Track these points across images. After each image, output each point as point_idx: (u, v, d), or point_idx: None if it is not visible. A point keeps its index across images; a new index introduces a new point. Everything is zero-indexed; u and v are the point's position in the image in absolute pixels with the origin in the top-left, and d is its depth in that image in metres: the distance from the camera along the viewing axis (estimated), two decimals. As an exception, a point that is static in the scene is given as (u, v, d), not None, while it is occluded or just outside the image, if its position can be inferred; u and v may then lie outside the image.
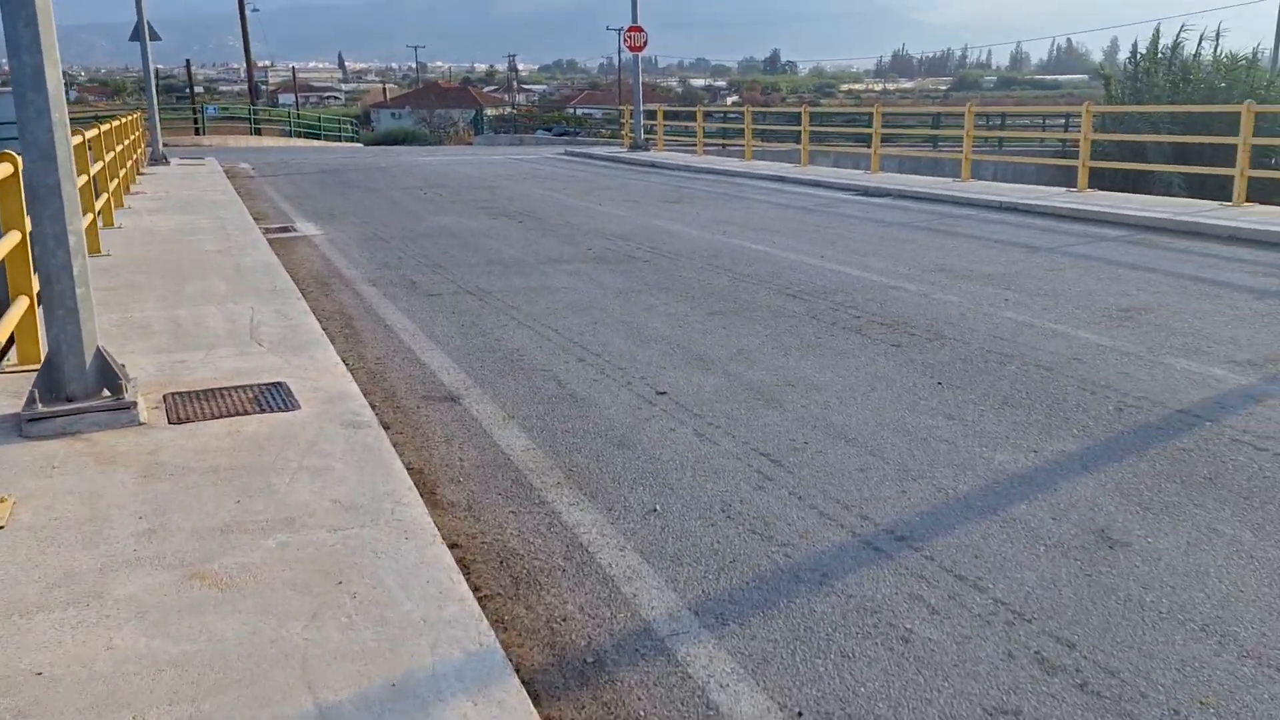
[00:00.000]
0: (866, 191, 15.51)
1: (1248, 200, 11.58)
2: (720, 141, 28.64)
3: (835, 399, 5.43)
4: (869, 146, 18.73)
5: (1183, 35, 25.86)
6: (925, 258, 9.54)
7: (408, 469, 4.37)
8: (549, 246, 10.78)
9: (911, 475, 4.35)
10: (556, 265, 9.61)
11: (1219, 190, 22.96)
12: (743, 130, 23.75)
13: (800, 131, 20.73)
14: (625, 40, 26.48)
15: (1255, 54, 25.52)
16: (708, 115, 35.40)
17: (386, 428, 5.07)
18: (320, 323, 7.29)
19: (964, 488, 4.21)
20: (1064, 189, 13.86)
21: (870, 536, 3.77)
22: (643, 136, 27.22)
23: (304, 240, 11.49)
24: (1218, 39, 25.10)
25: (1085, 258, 9.29)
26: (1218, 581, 3.37)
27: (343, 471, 4.18)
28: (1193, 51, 25.80)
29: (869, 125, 18.86)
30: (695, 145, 25.29)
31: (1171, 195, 18.87)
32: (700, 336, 6.86)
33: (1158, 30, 25.55)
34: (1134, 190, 23.60)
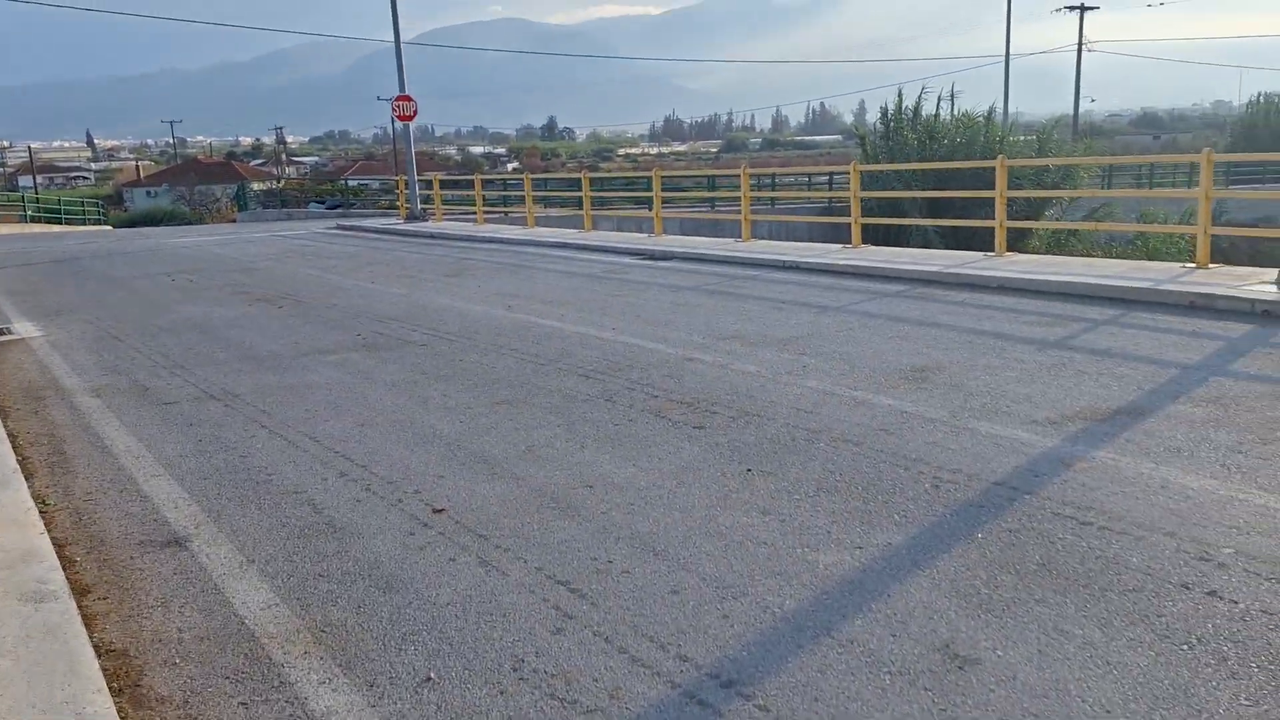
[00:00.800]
0: (652, 255, 15.33)
1: (1008, 250, 12.16)
2: (502, 209, 28.13)
3: (639, 499, 4.81)
4: (651, 210, 18.69)
5: (923, 96, 27.86)
6: (719, 324, 9.23)
7: (106, 653, 3.39)
8: (312, 334, 9.71)
9: (732, 593, 3.77)
10: (319, 357, 8.58)
11: (972, 240, 24.72)
12: (524, 197, 23.31)
13: (582, 197, 20.51)
14: (394, 110, 25.60)
15: (990, 112, 27.75)
16: (488, 183, 34.89)
17: (85, 593, 4.00)
18: (19, 451, 6.01)
19: (790, 604, 3.66)
20: (840, 246, 14.17)
21: (693, 685, 3.13)
22: (419, 206, 26.27)
23: (19, 344, 9.84)
24: (953, 100, 27.22)
25: (872, 315, 9.27)
26: (1080, 700, 2.95)
27: (7, 673, 3.14)
28: (933, 111, 27.81)
29: (649, 189, 18.85)
30: (476, 214, 24.60)
31: (931, 248, 19.99)
32: (484, 432, 6.10)
33: (901, 92, 27.43)
34: (895, 244, 25.05)
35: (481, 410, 6.62)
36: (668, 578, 3.94)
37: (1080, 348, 7.49)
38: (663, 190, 20.98)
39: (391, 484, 5.26)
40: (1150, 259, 22.13)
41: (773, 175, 34.66)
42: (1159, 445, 5.14)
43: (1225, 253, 14.16)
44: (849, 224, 14.08)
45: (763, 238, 22.77)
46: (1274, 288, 8.68)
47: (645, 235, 18.40)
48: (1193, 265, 10.04)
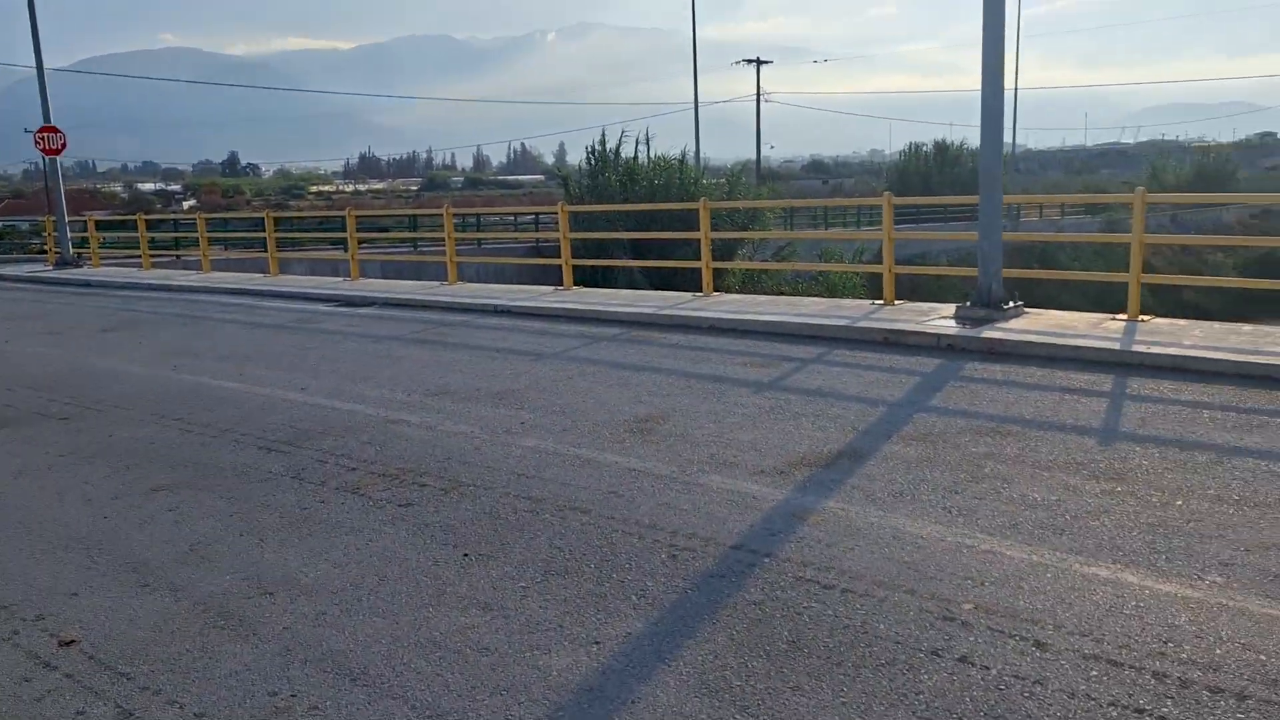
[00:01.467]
0: (350, 301, 14.19)
1: (714, 290, 12.36)
2: (174, 253, 25.38)
3: (332, 605, 4.00)
4: (347, 251, 17.44)
5: (623, 139, 28.57)
6: (425, 378, 8.46)
7: None
8: (-87, 412, 7.83)
9: (449, 724, 3.09)
10: (-81, 441, 6.87)
11: (674, 280, 25.48)
12: (199, 239, 21.07)
13: (266, 238, 18.81)
14: (38, 143, 22.35)
15: (684, 155, 28.92)
16: (157, 223, 31.54)
17: None
18: None
19: (523, 731, 3.04)
20: (552, 288, 13.83)
21: None
22: (71, 251, 23.07)
23: None
24: (649, 143, 28.12)
25: (590, 362, 8.91)
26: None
27: None
28: (632, 154, 28.57)
29: (344, 229, 17.62)
30: (141, 258, 21.95)
31: (637, 289, 20.27)
32: (136, 529, 4.99)
33: (604, 134, 27.95)
34: (604, 286, 25.29)
35: (134, 500, 5.45)
36: (369, 711, 3.19)
37: (794, 388, 7.51)
38: (361, 231, 19.76)
39: (4, 610, 4.09)
40: (830, 296, 23.91)
41: (478, 215, 34.10)
42: (883, 490, 5.06)
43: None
44: (560, 265, 13.80)
45: (470, 280, 22.12)
46: (953, 322, 9.30)
47: (341, 279, 17.13)
48: (880, 302, 10.63)
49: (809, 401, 7.03)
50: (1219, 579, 3.89)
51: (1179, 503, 4.75)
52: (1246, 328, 8.64)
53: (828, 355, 8.74)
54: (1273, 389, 6.83)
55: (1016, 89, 47.95)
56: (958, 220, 43.49)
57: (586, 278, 26.25)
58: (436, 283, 15.55)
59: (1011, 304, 9.57)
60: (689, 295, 12.30)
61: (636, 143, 29.05)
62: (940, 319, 9.53)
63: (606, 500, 5.07)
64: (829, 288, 25.47)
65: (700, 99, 45.51)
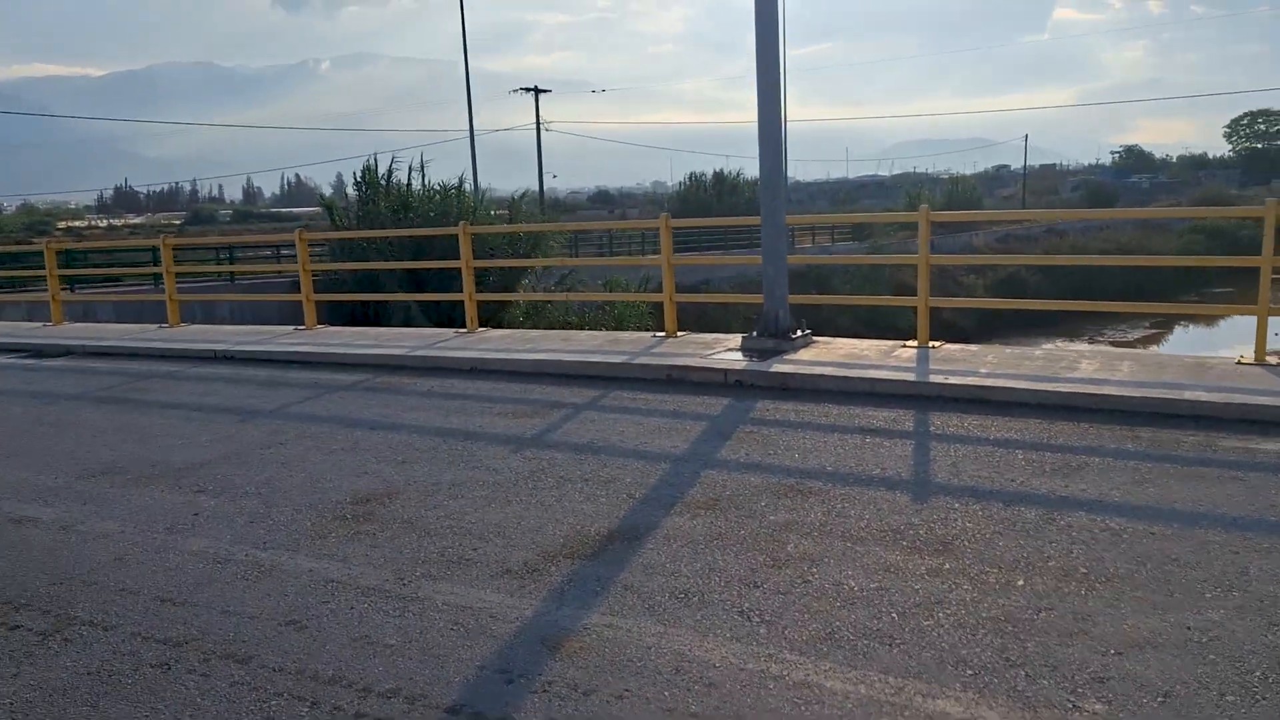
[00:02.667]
0: (40, 351, 11.74)
1: (481, 325, 10.97)
2: None
3: None
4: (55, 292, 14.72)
5: (395, 165, 26.72)
6: (91, 452, 6.58)
7: None
8: None
9: None
10: None
11: (454, 315, 23.78)
12: None
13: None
14: None
15: (461, 182, 27.40)
16: None
17: None
18: None
19: None
20: (293, 328, 11.99)
21: None
22: None
23: None
24: (423, 170, 26.43)
25: (313, 420, 7.29)
26: None
27: None
28: (405, 181, 26.78)
29: (77, 263, 14.92)
30: None
31: (414, 325, 18.59)
32: None
33: (374, 160, 25.96)
34: (378, 323, 23.24)
35: None
36: None
37: (562, 444, 6.26)
38: (78, 268, 17.00)
39: None
40: (618, 328, 22.99)
41: (229, 247, 30.94)
42: (664, 589, 3.87)
43: (680, 318, 14.59)
44: (319, 301, 11.99)
45: (225, 320, 19.58)
46: (740, 354, 8.39)
47: (41, 324, 14.43)
48: (662, 334, 9.63)
49: (578, 461, 5.79)
50: (1100, 707, 2.92)
51: (1020, 582, 3.83)
52: (1037, 352, 8.21)
53: (604, 398, 7.57)
54: (1076, 420, 6.23)
55: (786, 121, 49.51)
56: (739, 247, 44.35)
57: (356, 315, 24.17)
58: (158, 326, 13.27)
59: (800, 333, 8.78)
60: (451, 333, 10.85)
61: (410, 170, 27.28)
62: (726, 351, 8.59)
63: (280, 636, 3.58)
64: (617, 319, 24.62)
65: (482, 127, 44.13)
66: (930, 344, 8.46)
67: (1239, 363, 7.24)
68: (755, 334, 8.75)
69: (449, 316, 25.52)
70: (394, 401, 7.81)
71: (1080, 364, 7.47)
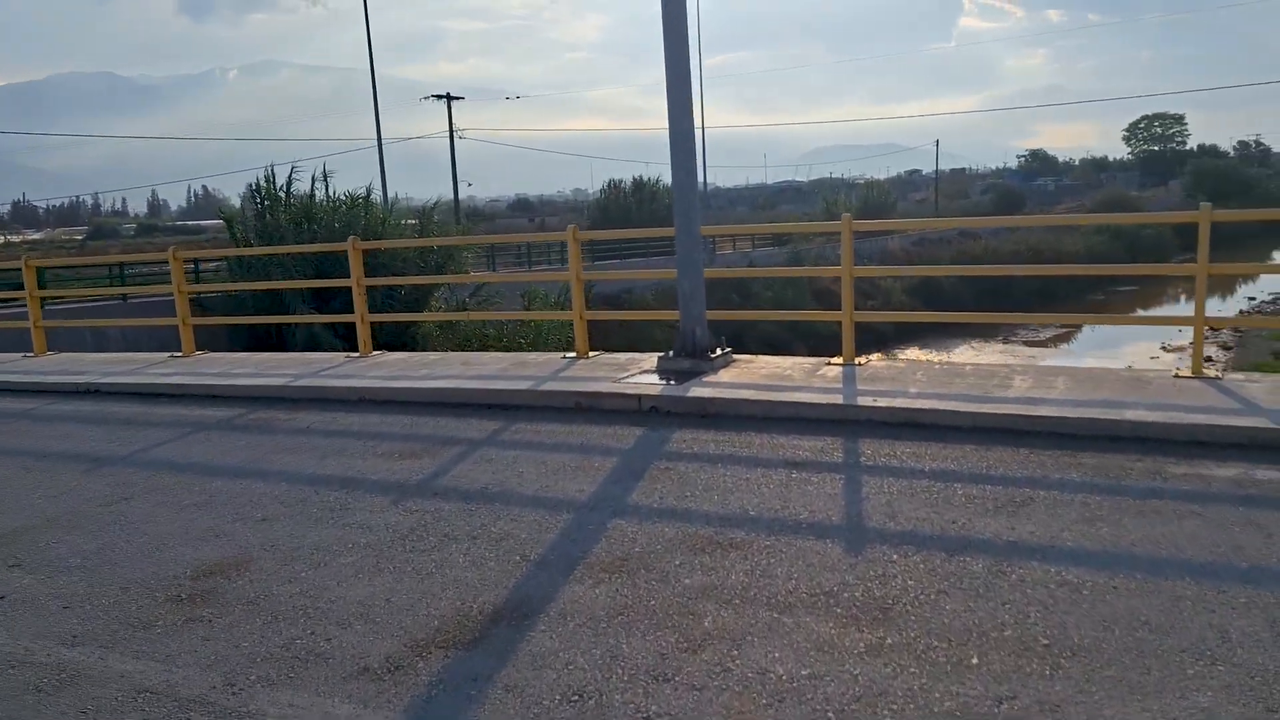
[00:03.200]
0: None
1: (377, 348, 10.14)
2: None
3: None
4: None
5: (295, 175, 25.47)
6: (-102, 515, 5.62)
7: None
8: None
9: None
10: None
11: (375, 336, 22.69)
12: None
13: None
14: None
15: (368, 192, 26.23)
16: None
17: None
18: None
19: None
20: (168, 355, 10.97)
21: None
22: None
23: None
24: (326, 179, 25.27)
25: (171, 468, 6.42)
26: None
27: None
28: (308, 192, 25.56)
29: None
30: None
31: (321, 349, 17.50)
32: None
33: (271, 170, 24.70)
34: (281, 346, 21.91)
35: None
36: None
37: (452, 490, 5.54)
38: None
39: None
40: (536, 346, 22.09)
41: (120, 265, 29.15)
42: (554, 688, 3.20)
43: (601, 330, 13.90)
44: (204, 326, 10.99)
45: (116, 347, 18.15)
46: (656, 377, 7.76)
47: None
48: (574, 355, 8.95)
49: (468, 513, 5.08)
50: None
51: (974, 660, 3.26)
52: (967, 368, 7.75)
53: (505, 432, 6.86)
54: (1015, 444, 5.76)
55: (704, 129, 49.53)
56: (663, 254, 43.94)
57: (259, 338, 22.83)
58: (20, 355, 12.09)
59: (719, 351, 8.19)
60: (342, 357, 9.99)
61: (313, 179, 26.05)
62: (641, 374, 7.96)
63: (59, 785, 2.81)
64: (536, 335, 23.78)
65: (395, 135, 42.80)
66: (856, 361, 7.95)
67: (1176, 376, 6.87)
68: (671, 354, 8.13)
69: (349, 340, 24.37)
70: (265, 442, 6.97)
71: (1013, 381, 7.03)
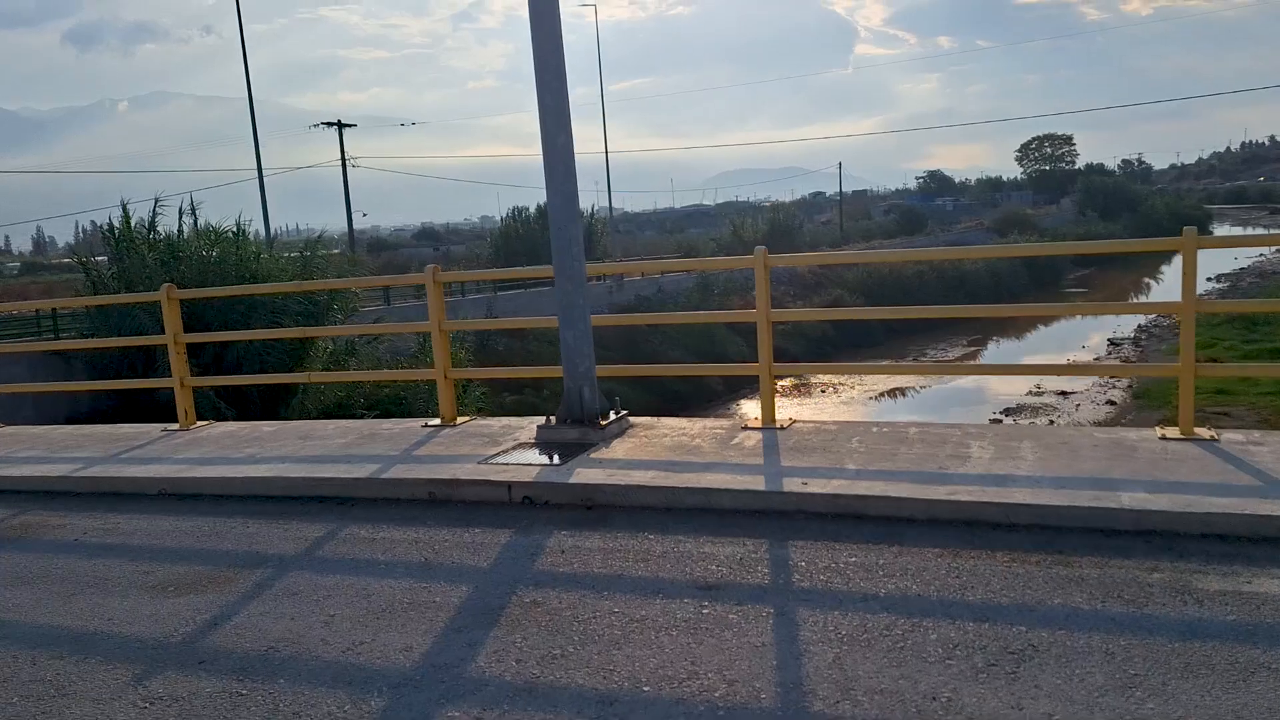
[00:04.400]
0: None
1: (201, 419, 8.37)
2: None
3: None
4: None
5: (159, 209, 23.19)
6: None
7: None
8: None
9: None
10: None
11: (272, 399, 20.39)
12: None
13: None
14: None
15: (240, 226, 24.01)
16: None
17: None
18: None
19: None
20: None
21: None
22: None
23: None
24: (194, 212, 23.09)
25: None
26: None
27: None
28: (176, 227, 23.29)
29: None
30: None
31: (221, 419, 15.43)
32: None
33: (124, 206, 22.37)
34: (151, 413, 19.50)
35: None
36: None
37: (224, 656, 3.92)
38: None
39: None
40: (433, 398, 19.95)
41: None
42: None
43: (448, 398, 12.26)
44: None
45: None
46: (535, 453, 6.26)
47: None
48: (438, 422, 7.38)
49: (232, 704, 3.47)
50: None
51: None
52: (912, 430, 6.43)
53: (330, 541, 5.25)
54: (990, 546, 4.44)
55: (608, 153, 48.24)
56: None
57: (129, 403, 20.30)
58: None
59: (613, 415, 6.73)
60: (158, 430, 8.19)
61: (181, 213, 23.77)
62: (516, 449, 6.44)
63: None
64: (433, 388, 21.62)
65: (285, 165, 40.34)
66: (777, 423, 6.58)
67: (1163, 438, 5.67)
68: (554, 421, 6.64)
69: (271, 402, 21.93)
70: (12, 567, 5.21)
71: (969, 449, 5.73)
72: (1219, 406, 20.77)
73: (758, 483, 5.31)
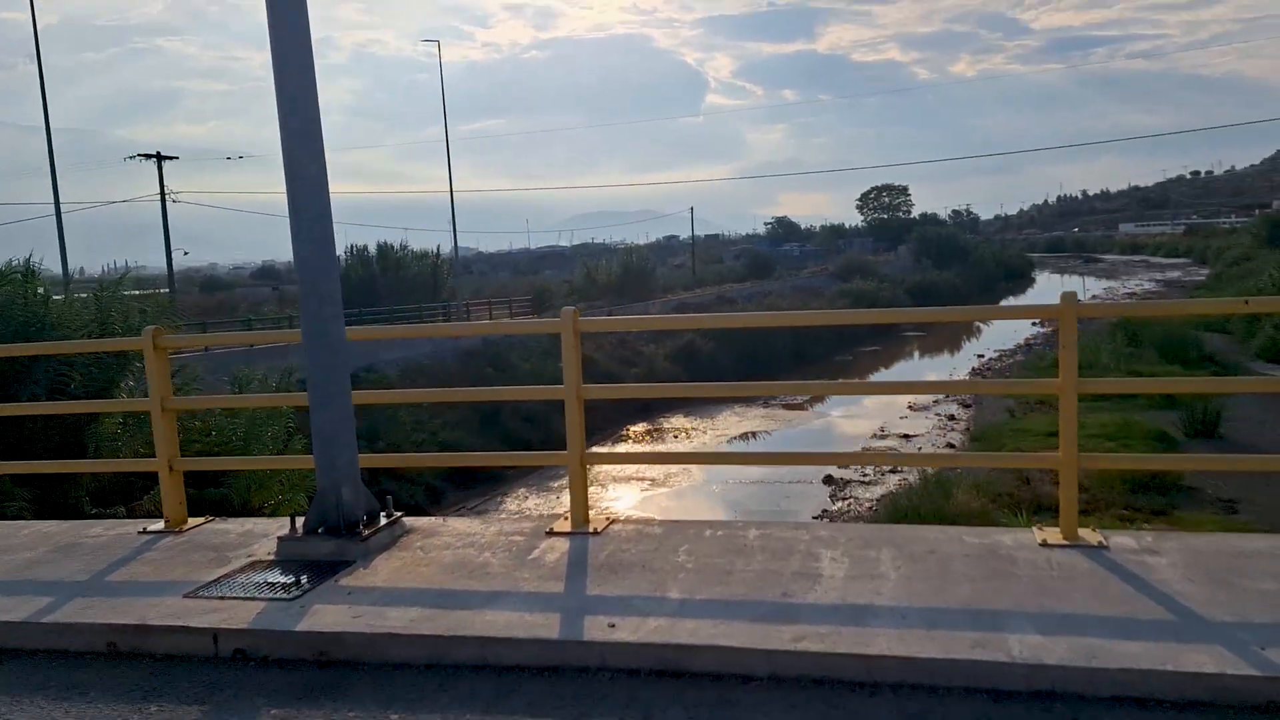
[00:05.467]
0: None
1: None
2: None
3: None
4: None
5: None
6: None
7: None
8: None
9: None
10: None
11: (115, 493, 17.59)
12: None
13: None
14: None
15: (30, 265, 21.07)
16: None
17: None
18: None
19: None
20: None
21: None
22: None
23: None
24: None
25: None
26: None
27: None
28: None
29: None
30: None
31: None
32: None
33: None
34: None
35: None
36: None
37: None
38: None
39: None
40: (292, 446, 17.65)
41: None
42: None
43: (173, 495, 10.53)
44: None
45: None
46: (276, 573, 4.77)
47: None
48: (160, 527, 5.74)
49: None
50: None
51: None
52: (752, 534, 5.24)
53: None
54: (854, 717, 3.29)
55: (452, 191, 46.01)
56: (404, 323, 40.21)
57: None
58: None
59: (383, 518, 5.32)
60: None
61: (-49, 251, 20.72)
62: (246, 570, 4.93)
63: None
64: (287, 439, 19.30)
65: (96, 199, 36.78)
66: (590, 526, 5.31)
67: (1044, 544, 4.70)
68: (302, 529, 5.16)
69: (108, 499, 18.84)
70: None
71: (820, 561, 4.61)
72: (1050, 450, 21.16)
73: (551, 625, 4.01)
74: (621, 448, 30.47)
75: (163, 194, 43.47)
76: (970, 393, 31.52)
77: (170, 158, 44.72)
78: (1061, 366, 4.67)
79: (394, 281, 47.26)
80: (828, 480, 24.02)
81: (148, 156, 44.29)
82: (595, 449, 31.07)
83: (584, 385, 5.24)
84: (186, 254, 49.50)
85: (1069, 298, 4.54)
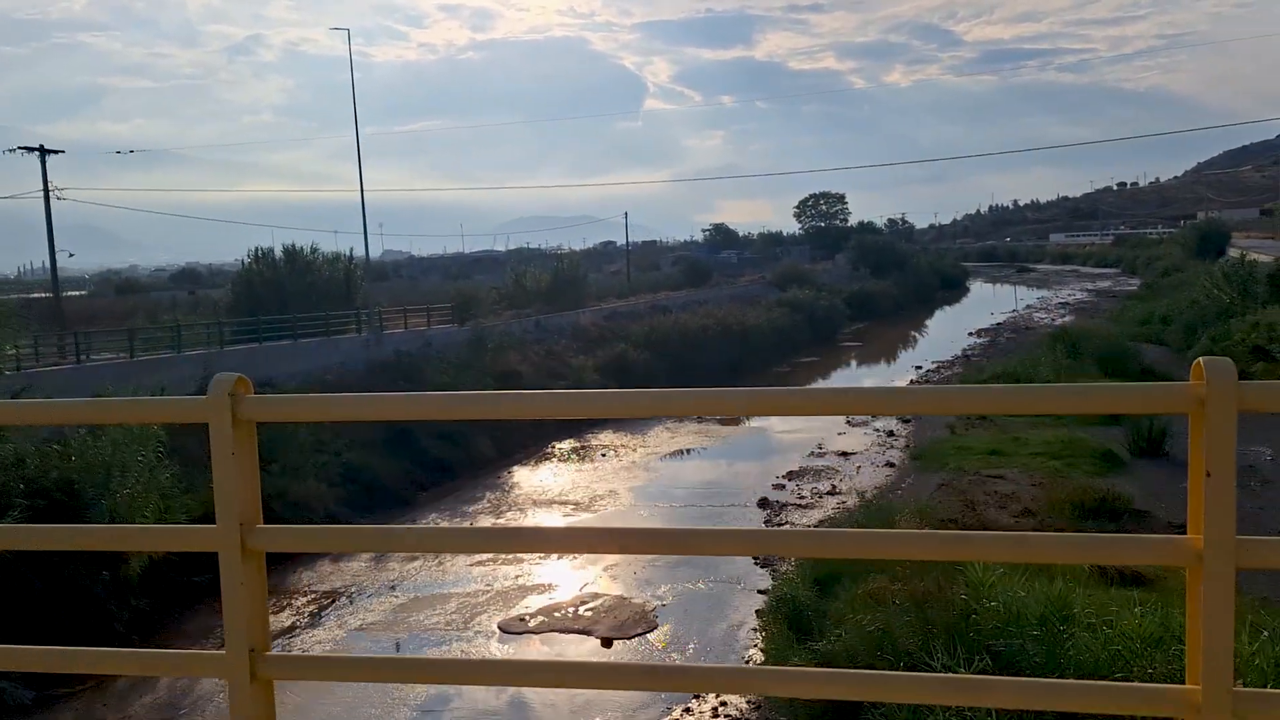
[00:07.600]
0: None
1: None
2: None
3: None
4: None
5: None
6: None
7: None
8: None
9: None
10: None
11: None
12: None
13: None
14: None
15: None
16: None
17: None
18: None
19: None
20: None
21: None
22: None
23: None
24: None
25: None
26: None
27: None
28: None
29: None
30: None
31: None
32: None
33: None
34: None
35: None
36: None
37: None
38: None
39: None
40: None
41: None
42: None
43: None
44: None
45: None
46: None
47: None
48: None
49: None
50: None
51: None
52: None
53: None
54: None
55: (363, 190, 42.73)
56: (312, 335, 37.21)
57: None
58: None
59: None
60: None
61: None
62: None
63: None
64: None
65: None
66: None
67: None
68: None
69: None
70: None
71: None
72: (993, 470, 19.65)
73: None
74: (545, 467, 27.99)
75: (46, 191, 39.77)
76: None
77: (54, 152, 40.97)
78: (1199, 504, 2.28)
79: (303, 287, 44.03)
80: (763, 504, 21.89)
81: (29, 149, 40.48)
82: (517, 467, 28.65)
83: (261, 525, 2.67)
84: (71, 255, 45.67)
85: (1220, 369, 2.15)
